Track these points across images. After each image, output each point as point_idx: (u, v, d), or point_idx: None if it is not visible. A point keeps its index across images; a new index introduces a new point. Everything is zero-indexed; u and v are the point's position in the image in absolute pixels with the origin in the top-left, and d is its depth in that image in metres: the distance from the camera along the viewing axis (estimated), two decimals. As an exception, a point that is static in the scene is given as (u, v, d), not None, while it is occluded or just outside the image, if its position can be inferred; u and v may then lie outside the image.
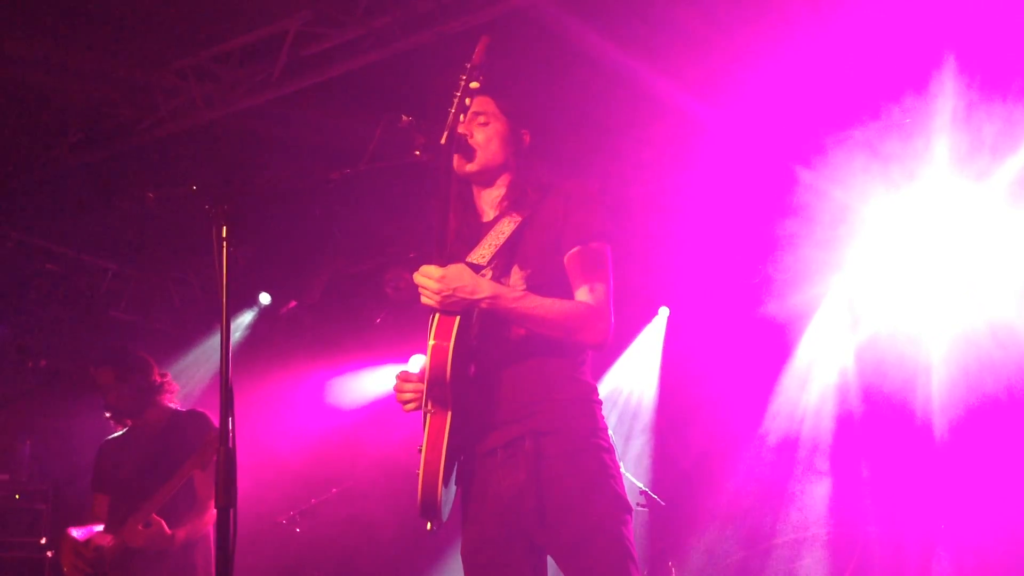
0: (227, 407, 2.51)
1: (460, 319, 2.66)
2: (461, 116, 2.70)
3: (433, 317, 2.69)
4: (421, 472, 2.66)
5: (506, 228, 2.89)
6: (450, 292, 2.62)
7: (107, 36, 5.78)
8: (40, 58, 5.83)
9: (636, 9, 5.44)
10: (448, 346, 2.64)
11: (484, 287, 2.67)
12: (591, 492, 2.73)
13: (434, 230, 2.71)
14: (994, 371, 6.09)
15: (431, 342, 2.65)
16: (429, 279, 2.63)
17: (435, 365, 2.64)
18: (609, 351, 2.92)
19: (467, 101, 2.69)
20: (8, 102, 6.20)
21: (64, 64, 5.96)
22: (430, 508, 2.67)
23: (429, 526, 2.74)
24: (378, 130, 2.88)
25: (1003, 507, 5.85)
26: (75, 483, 6.92)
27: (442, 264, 2.65)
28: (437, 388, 2.66)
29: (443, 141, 2.70)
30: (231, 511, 2.44)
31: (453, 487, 2.80)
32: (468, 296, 2.64)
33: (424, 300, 2.67)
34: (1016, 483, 5.86)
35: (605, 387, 7.71)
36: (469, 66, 2.68)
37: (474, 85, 2.68)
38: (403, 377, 2.89)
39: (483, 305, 2.67)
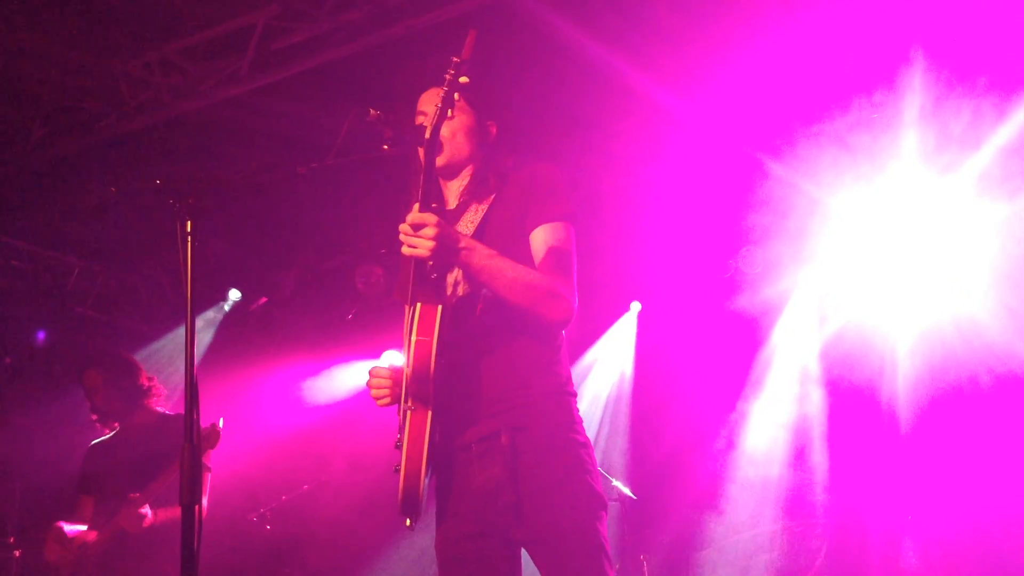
0: (192, 404, 2.49)
1: (441, 311, 2.63)
2: (449, 111, 2.64)
3: (413, 310, 2.65)
4: (403, 470, 2.64)
5: (474, 217, 2.89)
6: (445, 239, 2.56)
7: (72, 28, 5.71)
8: (2, 51, 5.75)
9: (608, 3, 5.44)
10: (432, 341, 2.59)
11: (462, 237, 2.65)
12: (566, 487, 2.73)
13: (420, 192, 2.64)
14: (958, 364, 6.16)
15: (413, 337, 2.60)
16: (429, 225, 2.53)
17: (419, 360, 2.59)
18: (581, 344, 2.93)
19: (455, 96, 2.63)
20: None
21: (28, 58, 5.88)
22: (411, 505, 2.66)
23: (408, 522, 2.73)
24: (346, 124, 2.86)
25: (968, 498, 5.93)
26: (43, 482, 6.84)
27: None
28: (419, 384, 2.61)
29: (427, 136, 2.67)
30: (196, 508, 2.43)
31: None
32: (452, 244, 2.59)
33: (412, 251, 2.56)
34: (980, 474, 5.93)
35: (576, 381, 7.70)
36: (457, 60, 2.61)
37: (463, 80, 2.61)
38: (375, 373, 2.86)
39: (460, 257, 2.63)
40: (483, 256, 2.66)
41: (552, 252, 2.79)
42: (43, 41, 5.75)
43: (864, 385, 6.61)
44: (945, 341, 6.24)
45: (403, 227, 2.56)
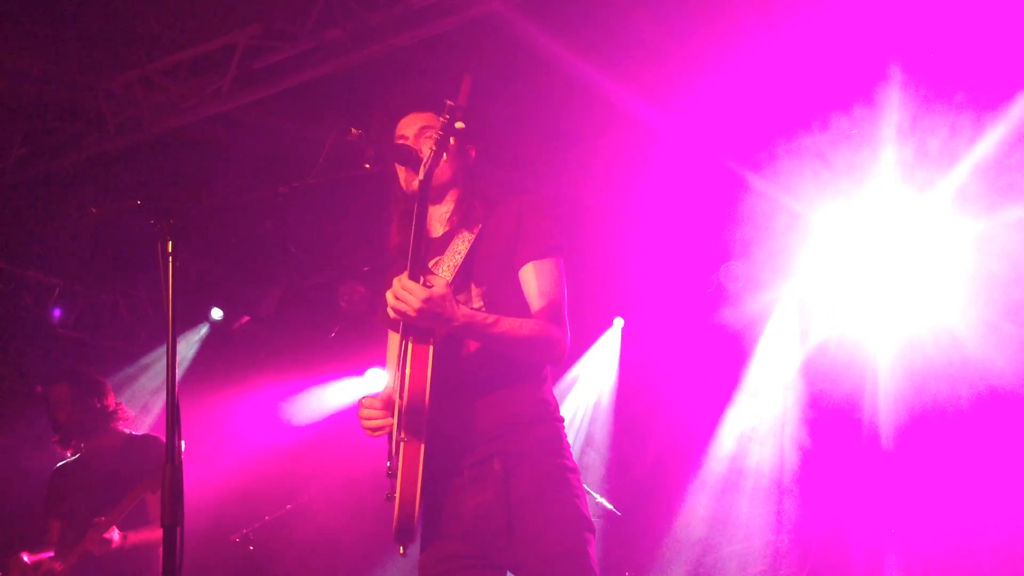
0: (173, 424, 2.47)
1: (432, 350, 2.62)
2: (444, 155, 2.62)
3: (406, 345, 2.63)
4: (398, 498, 2.64)
5: (462, 247, 2.87)
6: (431, 314, 2.54)
7: (53, 48, 5.70)
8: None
9: (590, 18, 5.48)
10: (426, 375, 2.60)
11: (460, 315, 2.60)
12: (557, 512, 2.75)
13: (410, 251, 2.60)
14: (938, 378, 6.19)
15: (407, 371, 2.60)
16: (414, 296, 2.51)
17: (413, 395, 2.59)
18: (564, 361, 2.94)
19: (451, 140, 2.60)
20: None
21: (8, 75, 5.86)
22: (406, 532, 2.67)
23: (402, 550, 2.73)
24: (327, 142, 2.86)
25: (950, 512, 5.95)
26: (18, 505, 6.76)
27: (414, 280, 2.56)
28: (413, 417, 2.61)
29: (420, 177, 2.62)
30: (178, 529, 2.41)
31: None
32: (445, 321, 2.58)
33: (395, 313, 2.55)
34: (962, 488, 5.96)
35: (560, 397, 7.70)
36: (451, 104, 2.56)
37: (459, 126, 2.56)
38: (368, 403, 2.83)
39: (447, 327, 2.61)
40: (482, 327, 2.66)
41: (544, 290, 2.81)
42: (24, 59, 5.74)
43: (846, 399, 6.64)
44: (925, 355, 6.28)
45: (396, 283, 2.55)
